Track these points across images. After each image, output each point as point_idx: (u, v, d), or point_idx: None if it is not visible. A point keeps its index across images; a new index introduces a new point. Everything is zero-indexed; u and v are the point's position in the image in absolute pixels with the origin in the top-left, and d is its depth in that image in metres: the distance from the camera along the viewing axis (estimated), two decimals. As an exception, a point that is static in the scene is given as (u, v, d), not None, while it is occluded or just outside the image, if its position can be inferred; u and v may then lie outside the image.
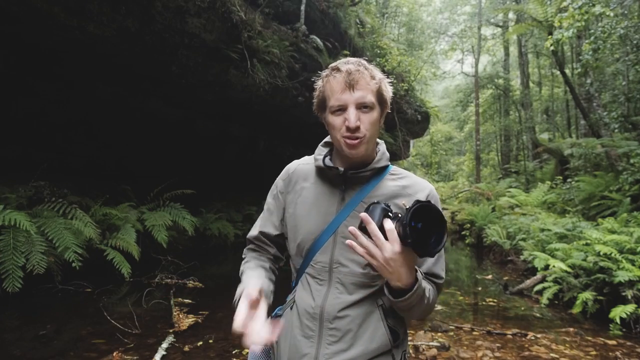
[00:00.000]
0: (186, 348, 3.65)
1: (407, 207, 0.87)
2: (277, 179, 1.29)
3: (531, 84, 21.15)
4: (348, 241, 0.94)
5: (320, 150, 1.22)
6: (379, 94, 1.09)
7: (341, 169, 1.12)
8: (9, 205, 4.85)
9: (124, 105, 6.89)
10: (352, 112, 1.05)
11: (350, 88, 1.05)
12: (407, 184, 1.16)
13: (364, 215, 0.92)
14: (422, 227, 0.86)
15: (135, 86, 6.70)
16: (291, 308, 1.18)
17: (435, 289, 1.15)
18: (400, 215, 0.92)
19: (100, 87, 6.42)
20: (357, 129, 1.05)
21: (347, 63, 1.08)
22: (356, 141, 1.06)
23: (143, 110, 7.20)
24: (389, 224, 0.90)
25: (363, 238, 0.92)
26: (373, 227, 0.90)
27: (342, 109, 1.06)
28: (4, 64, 5.30)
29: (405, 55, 13.62)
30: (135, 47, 5.58)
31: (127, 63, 5.94)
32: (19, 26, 4.81)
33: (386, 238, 0.90)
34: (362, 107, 1.06)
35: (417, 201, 0.87)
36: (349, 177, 1.13)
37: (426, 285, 1.06)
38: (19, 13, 4.57)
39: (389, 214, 0.93)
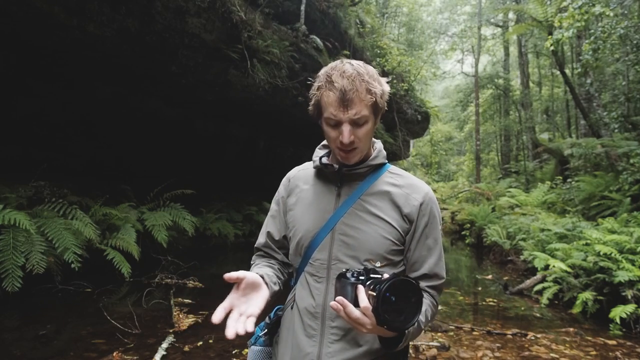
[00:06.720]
0: (186, 348, 3.65)
1: (383, 280, 0.87)
2: (280, 185, 1.31)
3: (531, 84, 21.15)
4: (341, 314, 0.93)
5: (318, 152, 1.24)
6: (375, 106, 1.08)
7: (336, 166, 1.15)
8: (9, 205, 4.84)
9: (124, 105, 6.88)
10: (346, 130, 1.05)
11: (344, 108, 1.04)
12: (404, 183, 1.17)
13: (339, 299, 0.91)
14: (396, 300, 0.86)
15: (135, 86, 6.70)
16: (292, 307, 1.19)
17: (437, 294, 1.16)
18: (371, 276, 0.92)
19: (100, 87, 6.42)
20: (351, 143, 1.07)
21: (342, 76, 1.03)
22: (350, 154, 1.10)
23: (143, 110, 7.20)
24: (364, 302, 0.89)
25: (347, 319, 0.92)
26: (349, 310, 0.90)
27: (337, 124, 1.07)
28: (4, 64, 5.30)
29: (405, 55, 13.60)
30: (135, 47, 5.58)
31: (127, 63, 5.94)
32: (19, 26, 4.81)
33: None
34: (356, 123, 1.06)
35: (394, 275, 0.88)
36: (345, 175, 1.15)
37: (424, 307, 1.07)
38: (19, 13, 4.57)
39: (361, 278, 0.93)
